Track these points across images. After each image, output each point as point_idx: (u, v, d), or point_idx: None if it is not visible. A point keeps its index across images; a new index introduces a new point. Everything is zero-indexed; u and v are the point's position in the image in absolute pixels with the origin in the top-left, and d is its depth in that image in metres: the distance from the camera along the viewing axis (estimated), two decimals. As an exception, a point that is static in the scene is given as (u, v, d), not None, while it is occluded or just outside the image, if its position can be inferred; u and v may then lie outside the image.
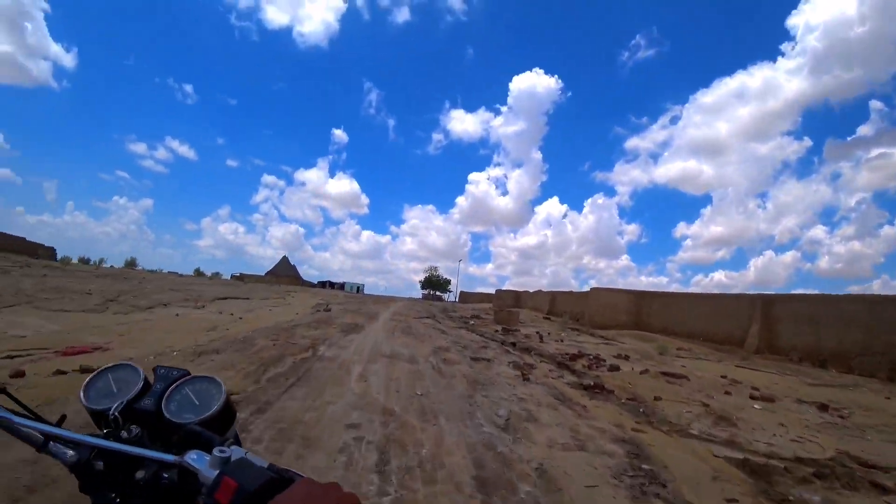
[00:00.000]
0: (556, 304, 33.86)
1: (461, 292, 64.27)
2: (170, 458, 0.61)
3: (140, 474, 0.64)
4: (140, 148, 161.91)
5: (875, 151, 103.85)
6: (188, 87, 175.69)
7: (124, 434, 0.69)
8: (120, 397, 0.75)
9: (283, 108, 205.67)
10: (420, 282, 69.19)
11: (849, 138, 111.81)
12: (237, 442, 0.74)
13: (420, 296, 71.50)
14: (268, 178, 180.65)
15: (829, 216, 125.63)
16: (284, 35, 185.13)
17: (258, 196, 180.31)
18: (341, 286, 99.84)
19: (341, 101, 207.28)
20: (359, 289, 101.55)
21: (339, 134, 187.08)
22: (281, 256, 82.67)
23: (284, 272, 73.72)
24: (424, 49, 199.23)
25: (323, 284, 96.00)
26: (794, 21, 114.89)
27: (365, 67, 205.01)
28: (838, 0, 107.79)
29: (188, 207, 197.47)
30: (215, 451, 0.59)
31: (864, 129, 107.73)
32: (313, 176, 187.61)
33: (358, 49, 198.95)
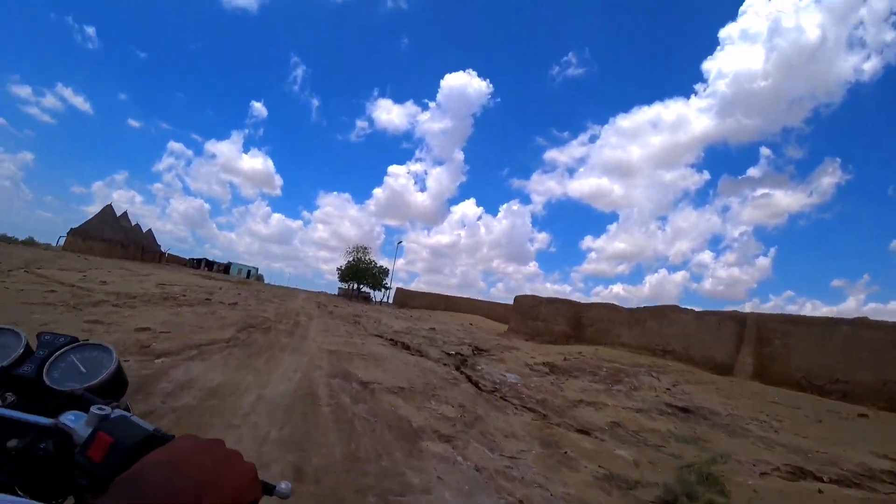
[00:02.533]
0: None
1: (398, 289, 53.39)
2: (45, 420, 0.58)
3: (13, 443, 0.59)
4: (24, 91, 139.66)
5: (760, 191, 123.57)
6: (90, 30, 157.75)
7: None
8: None
9: (200, 71, 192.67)
10: (339, 270, 49.66)
11: (740, 177, 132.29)
12: (128, 411, 0.65)
13: (337, 291, 58.97)
14: (174, 146, 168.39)
15: (716, 243, 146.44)
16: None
17: (161, 164, 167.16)
18: (225, 268, 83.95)
19: (264, 72, 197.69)
20: (249, 273, 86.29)
21: (259, 107, 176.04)
22: (103, 207, 53.37)
23: (111, 234, 48.80)
24: (360, 31, 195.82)
25: (197, 263, 79.40)
26: (709, 65, 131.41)
27: (294, 40, 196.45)
28: (749, 54, 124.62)
29: (77, 167, 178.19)
30: (93, 409, 0.57)
31: (753, 171, 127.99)
32: (225, 149, 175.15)
33: (289, 19, 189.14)
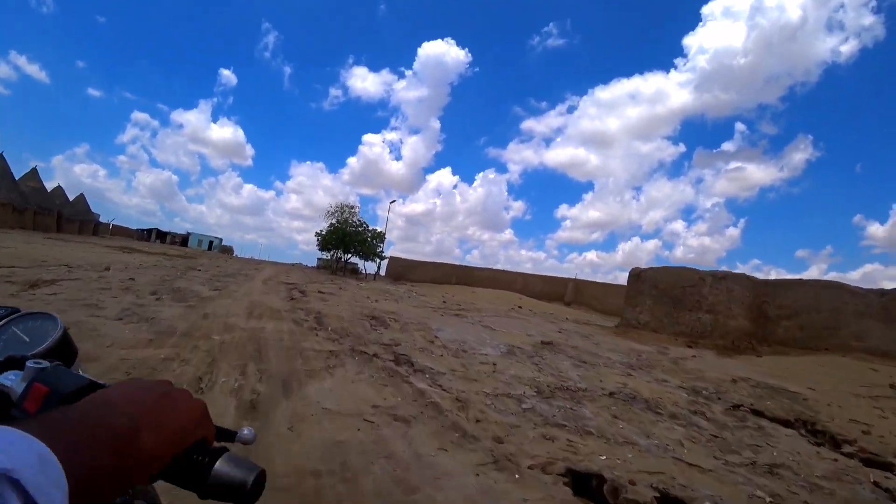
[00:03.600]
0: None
1: (391, 259, 43.84)
2: None
3: None
4: None
5: (733, 164, 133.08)
6: None
7: None
8: None
9: (164, 38, 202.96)
10: (318, 236, 38.84)
11: (714, 150, 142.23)
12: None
13: (316, 263, 48.91)
14: (139, 116, 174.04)
15: (689, 213, 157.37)
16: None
17: (125, 135, 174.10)
18: (183, 240, 72.81)
19: (234, 38, 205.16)
20: (212, 244, 75.33)
21: (228, 75, 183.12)
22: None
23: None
24: None
25: (146, 233, 68.00)
26: (690, 41, 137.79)
27: (266, 5, 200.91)
28: (730, 30, 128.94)
29: (35, 140, 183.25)
30: (28, 364, 0.55)
31: (727, 145, 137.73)
32: (193, 118, 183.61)
33: None
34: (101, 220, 64.93)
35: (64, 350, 0.72)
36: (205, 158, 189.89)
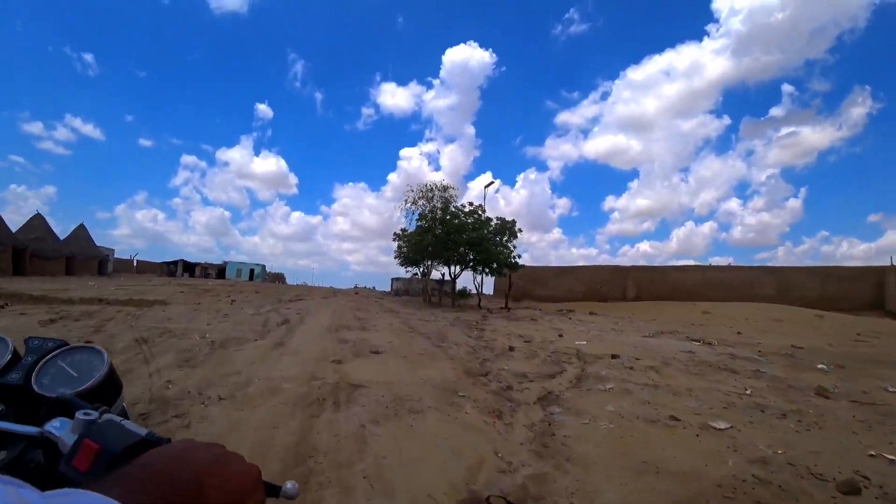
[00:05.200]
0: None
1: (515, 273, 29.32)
2: (31, 429, 0.55)
3: (1, 455, 0.57)
4: (36, 128, 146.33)
5: (784, 130, 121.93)
6: (88, 57, 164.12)
7: None
8: None
9: (200, 81, 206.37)
10: (401, 242, 25.70)
11: (762, 118, 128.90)
12: (125, 416, 0.63)
13: (391, 285, 35.03)
14: (187, 159, 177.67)
15: (742, 190, 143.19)
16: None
17: (177, 178, 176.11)
18: (220, 271, 61.82)
19: (264, 73, 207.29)
20: (253, 273, 63.84)
21: (263, 109, 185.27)
22: None
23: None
24: (353, 17, 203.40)
25: (171, 267, 57.13)
26: (720, 4, 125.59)
27: (289, 36, 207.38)
28: None
29: (98, 193, 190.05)
30: (78, 415, 0.53)
31: (775, 111, 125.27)
32: (237, 155, 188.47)
33: (281, 16, 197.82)
34: (118, 255, 55.05)
35: (109, 386, 0.71)
36: (252, 192, 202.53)
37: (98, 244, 45.31)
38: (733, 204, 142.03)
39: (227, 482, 0.44)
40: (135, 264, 61.42)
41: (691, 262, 30.39)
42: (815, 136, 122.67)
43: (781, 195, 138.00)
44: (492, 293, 33.92)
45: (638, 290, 28.78)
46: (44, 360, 0.73)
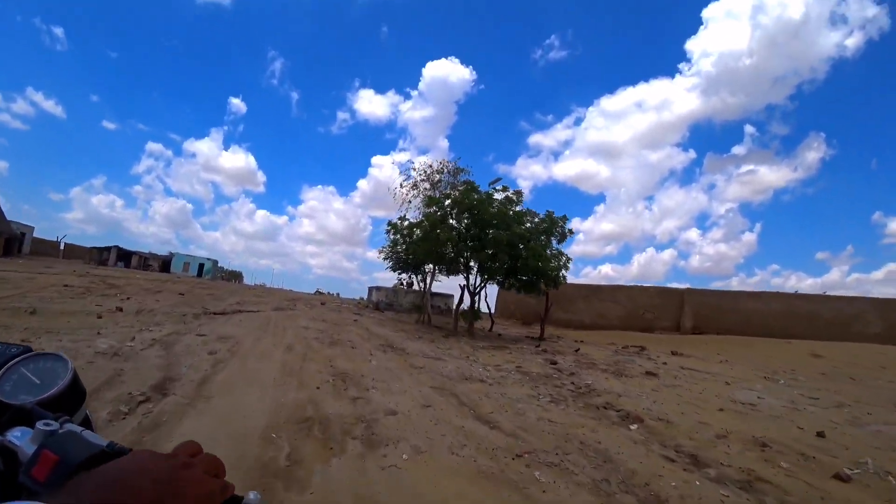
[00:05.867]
0: None
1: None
2: None
3: None
4: None
5: (745, 168, 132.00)
6: (58, 31, 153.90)
7: None
8: None
9: (173, 69, 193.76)
10: (400, 237, 18.49)
11: (725, 155, 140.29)
12: (88, 425, 0.68)
13: (367, 296, 26.93)
14: (152, 146, 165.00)
15: (703, 221, 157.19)
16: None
17: (140, 166, 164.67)
18: (164, 263, 53.09)
19: (241, 67, 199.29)
20: (202, 268, 55.20)
21: (237, 103, 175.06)
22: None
23: None
24: (337, 21, 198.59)
25: (104, 254, 48.06)
26: (693, 45, 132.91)
27: (270, 32, 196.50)
28: (732, 32, 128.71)
29: (54, 174, 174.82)
30: (38, 425, 0.53)
31: (738, 149, 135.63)
32: (205, 147, 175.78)
33: (265, 11, 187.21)
34: (37, 234, 45.65)
35: (73, 393, 0.71)
36: (218, 186, 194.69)
37: (17, 220, 36.28)
38: (693, 233, 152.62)
39: (188, 490, 0.43)
40: (61, 247, 52.06)
41: (768, 290, 24.24)
42: (772, 175, 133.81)
43: (738, 228, 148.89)
44: (487, 310, 27.15)
45: (696, 320, 22.46)
46: (6, 366, 0.71)
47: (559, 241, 15.87)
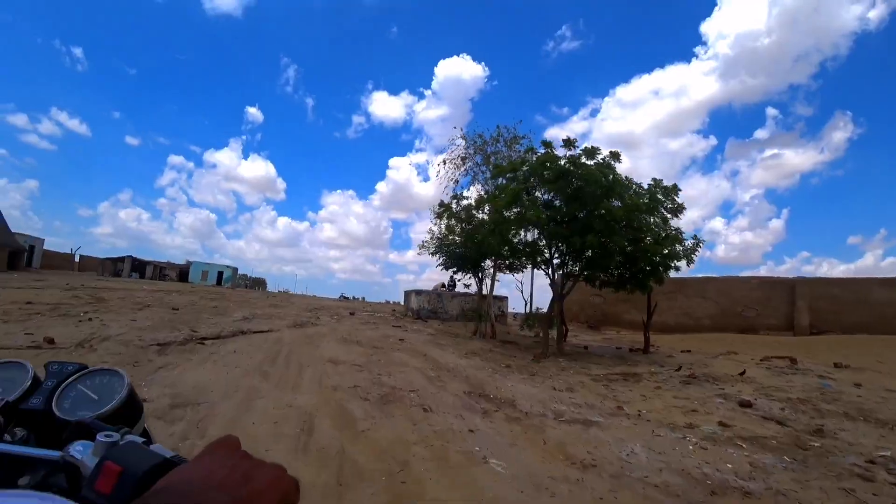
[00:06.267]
0: None
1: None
2: (53, 454, 0.55)
3: (24, 480, 0.56)
4: (20, 120, 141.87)
5: (768, 152, 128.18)
6: (77, 51, 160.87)
7: (7, 438, 0.63)
8: (1, 397, 0.70)
9: (191, 82, 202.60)
10: (439, 226, 16.16)
11: (747, 139, 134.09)
12: (148, 438, 0.63)
13: (404, 302, 22.71)
14: (174, 159, 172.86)
15: (727, 209, 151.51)
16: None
17: (163, 178, 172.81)
18: (181, 273, 50.69)
19: (256, 76, 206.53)
20: (221, 276, 52.53)
21: (254, 112, 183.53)
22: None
23: None
24: (347, 25, 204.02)
25: (118, 265, 45.65)
26: (708, 27, 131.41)
27: (282, 41, 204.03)
28: (749, 11, 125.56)
29: (82, 190, 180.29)
30: (99, 437, 0.52)
31: (760, 133, 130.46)
32: (225, 157, 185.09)
33: (275, 20, 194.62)
34: (51, 247, 43.39)
35: (130, 408, 0.71)
36: (239, 195, 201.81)
37: (60, 239, 33.80)
38: (718, 223, 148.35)
39: (261, 499, 0.41)
40: (76, 259, 49.94)
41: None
42: (798, 158, 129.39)
43: (764, 215, 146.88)
44: (513, 310, 23.06)
45: (813, 316, 18.01)
46: (64, 383, 0.72)
47: (672, 217, 11.68)
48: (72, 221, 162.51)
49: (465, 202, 13.90)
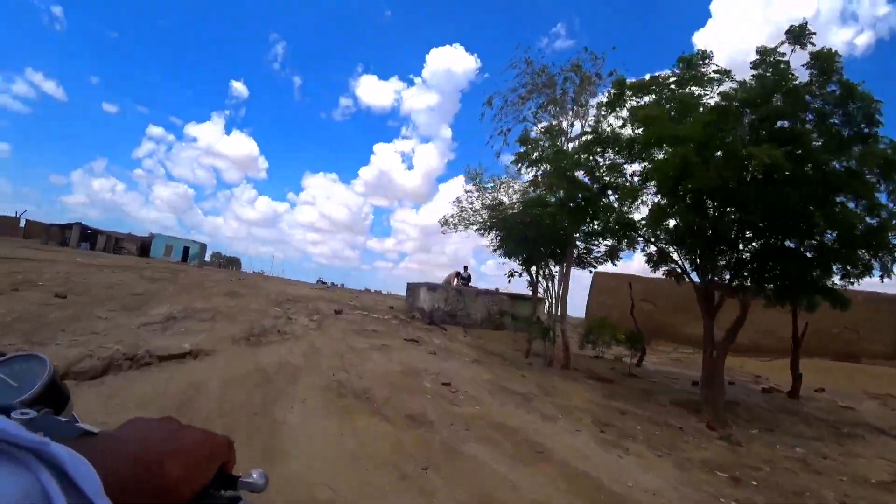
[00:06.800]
0: None
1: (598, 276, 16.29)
2: None
3: None
4: None
5: None
6: (56, 10, 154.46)
7: None
8: None
9: (175, 51, 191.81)
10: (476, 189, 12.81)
11: None
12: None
13: (407, 297, 17.04)
14: (154, 130, 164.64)
15: None
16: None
17: (141, 149, 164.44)
18: (142, 246, 45.26)
19: (243, 50, 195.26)
20: (187, 251, 46.98)
21: (239, 87, 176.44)
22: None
23: None
24: (340, 4, 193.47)
25: (66, 233, 39.99)
26: (700, 38, 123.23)
27: (272, 16, 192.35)
28: (740, 27, 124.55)
29: (55, 156, 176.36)
30: (14, 415, 0.52)
31: None
32: (206, 131, 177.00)
33: None
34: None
35: (53, 394, 0.67)
36: (219, 171, 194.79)
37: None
38: None
39: (188, 452, 0.42)
40: (21, 224, 44.09)
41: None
42: None
43: None
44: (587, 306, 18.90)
45: None
46: None
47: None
48: (43, 188, 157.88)
49: (585, 136, 8.94)
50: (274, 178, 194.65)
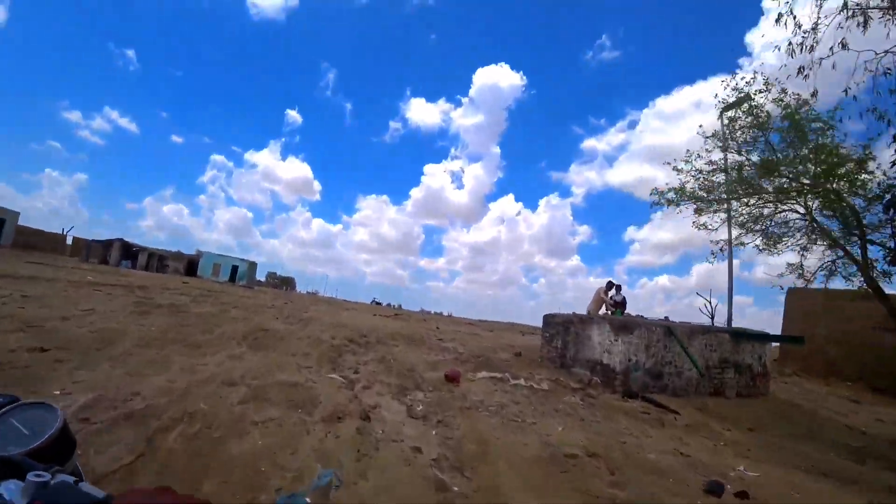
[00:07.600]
0: None
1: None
2: None
3: None
4: (74, 116, 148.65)
5: None
6: (130, 53, 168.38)
7: None
8: None
9: (233, 84, 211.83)
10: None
11: None
12: (78, 475, 0.63)
13: (544, 332, 9.21)
14: (216, 158, 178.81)
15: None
16: (237, 4, 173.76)
17: (204, 176, 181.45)
18: (189, 265, 42.21)
19: (296, 80, 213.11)
20: (235, 271, 43.24)
21: (293, 115, 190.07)
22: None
23: None
24: (386, 31, 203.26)
25: (106, 250, 37.02)
26: (753, 37, 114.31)
27: (323, 46, 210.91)
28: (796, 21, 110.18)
29: (128, 185, 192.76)
30: (30, 477, 0.52)
31: None
32: (264, 158, 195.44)
33: (316, 25, 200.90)
34: (33, 224, 35.12)
35: (63, 444, 0.68)
36: (276, 195, 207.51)
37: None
38: (758, 241, 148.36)
39: None
40: (68, 241, 41.77)
41: None
42: None
43: (808, 236, 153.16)
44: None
45: None
46: None
47: None
48: (119, 215, 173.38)
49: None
50: (327, 200, 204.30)
